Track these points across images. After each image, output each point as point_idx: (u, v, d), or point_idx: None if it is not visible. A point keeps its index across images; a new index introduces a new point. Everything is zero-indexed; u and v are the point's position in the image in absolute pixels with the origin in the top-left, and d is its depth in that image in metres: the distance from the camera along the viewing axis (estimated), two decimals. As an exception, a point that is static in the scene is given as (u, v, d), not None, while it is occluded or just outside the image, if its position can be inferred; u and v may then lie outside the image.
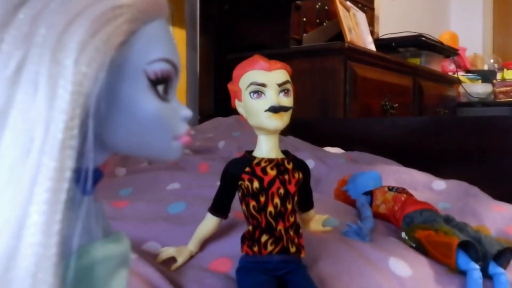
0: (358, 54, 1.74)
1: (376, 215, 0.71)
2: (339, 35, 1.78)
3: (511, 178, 1.13)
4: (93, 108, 0.21)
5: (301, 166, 0.51)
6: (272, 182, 0.48)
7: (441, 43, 2.41)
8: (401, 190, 0.74)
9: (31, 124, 0.19)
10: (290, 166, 0.49)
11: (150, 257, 0.53)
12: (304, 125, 1.48)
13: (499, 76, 3.00)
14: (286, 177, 0.48)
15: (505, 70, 3.00)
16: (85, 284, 0.22)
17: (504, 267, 0.58)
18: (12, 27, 0.20)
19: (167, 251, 0.55)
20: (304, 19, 1.94)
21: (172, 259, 0.54)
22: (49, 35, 0.20)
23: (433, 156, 1.31)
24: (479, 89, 2.80)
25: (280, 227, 0.47)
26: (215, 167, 0.98)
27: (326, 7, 2.03)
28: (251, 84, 0.47)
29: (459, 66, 2.80)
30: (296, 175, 0.49)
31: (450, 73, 2.72)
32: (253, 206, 0.48)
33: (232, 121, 1.48)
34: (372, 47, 1.99)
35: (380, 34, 2.56)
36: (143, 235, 0.59)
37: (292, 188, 0.49)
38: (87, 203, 0.22)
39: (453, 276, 0.57)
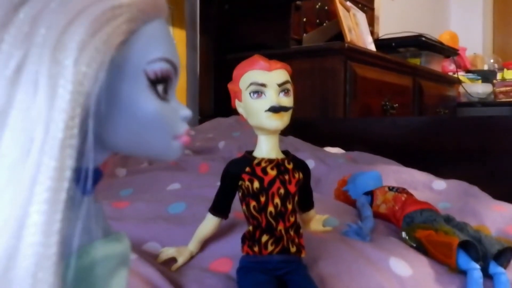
0: (358, 54, 1.74)
1: (377, 215, 0.71)
2: (339, 35, 1.78)
3: (511, 178, 1.13)
4: (93, 108, 0.21)
5: (301, 166, 0.51)
6: (272, 182, 0.48)
7: (441, 43, 2.41)
8: (401, 190, 0.74)
9: (31, 124, 0.19)
10: (290, 166, 0.49)
11: (151, 258, 0.53)
12: (304, 125, 1.48)
13: (499, 76, 3.00)
14: (287, 177, 0.48)
15: (505, 70, 3.00)
16: (85, 284, 0.22)
17: (505, 266, 0.58)
18: (12, 27, 0.20)
19: (168, 252, 0.54)
20: (304, 19, 1.94)
21: (173, 260, 0.54)
22: (49, 35, 0.20)
23: (433, 156, 1.31)
24: (479, 89, 2.80)
25: (281, 227, 0.47)
26: (215, 168, 0.98)
27: (326, 7, 2.03)
28: (251, 84, 0.47)
29: (459, 66, 2.80)
30: (296, 175, 0.49)
31: (450, 73, 2.72)
32: (254, 206, 0.48)
33: (232, 121, 1.48)
34: (372, 47, 1.99)
35: (380, 34, 2.56)
36: (143, 235, 0.59)
37: (292, 188, 0.49)
38: (87, 203, 0.22)
39: (454, 276, 0.57)
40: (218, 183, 0.52)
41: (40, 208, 0.19)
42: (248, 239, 0.48)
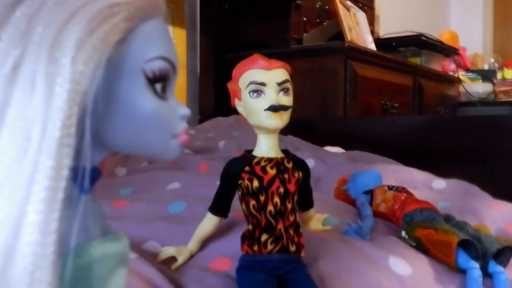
0: (358, 53, 1.74)
1: (376, 214, 0.71)
2: (339, 35, 1.78)
3: (511, 177, 1.13)
4: (90, 107, 0.21)
5: (301, 165, 0.51)
6: (272, 181, 0.48)
7: (442, 43, 2.41)
8: (401, 189, 0.74)
9: (28, 123, 0.19)
10: (290, 165, 0.49)
11: (150, 257, 0.53)
12: (304, 124, 1.47)
13: (499, 75, 3.00)
14: (286, 176, 0.48)
15: (505, 69, 3.00)
16: (83, 283, 0.22)
17: (504, 265, 0.58)
18: (9, 26, 0.20)
19: (167, 251, 0.54)
20: (304, 18, 1.94)
21: (172, 259, 0.54)
22: (46, 34, 0.20)
23: (433, 155, 1.31)
24: (480, 88, 2.80)
25: (280, 226, 0.47)
26: (215, 167, 0.98)
27: (326, 7, 2.03)
28: (251, 83, 0.47)
29: (459, 66, 2.80)
30: (296, 174, 0.49)
31: (451, 73, 2.72)
32: (253, 205, 0.48)
33: (232, 120, 1.48)
34: (372, 46, 1.99)
35: (380, 34, 2.56)
36: (143, 234, 0.59)
37: (292, 187, 0.49)
38: (84, 202, 0.22)
39: (453, 275, 0.57)
40: (218, 183, 0.52)
41: (37, 207, 0.19)
42: (248, 238, 0.48)
